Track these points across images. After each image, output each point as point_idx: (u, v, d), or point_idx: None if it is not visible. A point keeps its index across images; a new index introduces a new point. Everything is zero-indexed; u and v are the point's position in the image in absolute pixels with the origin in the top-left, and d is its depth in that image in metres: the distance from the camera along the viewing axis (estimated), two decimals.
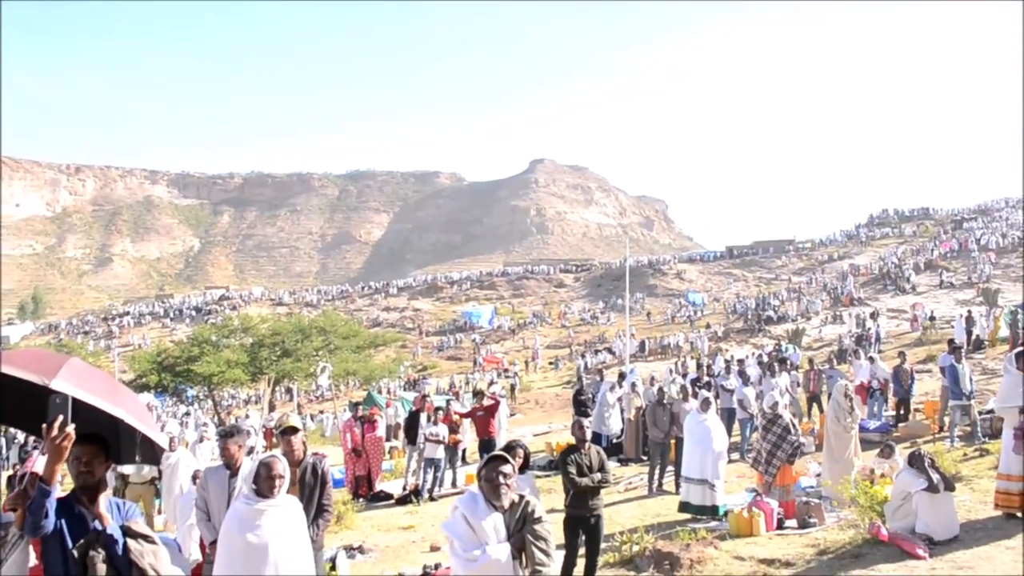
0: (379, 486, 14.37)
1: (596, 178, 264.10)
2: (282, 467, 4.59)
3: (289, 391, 43.86)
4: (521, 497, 4.34)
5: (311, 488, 5.78)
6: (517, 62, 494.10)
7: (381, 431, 15.17)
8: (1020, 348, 8.84)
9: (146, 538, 3.69)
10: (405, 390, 39.68)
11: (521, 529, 4.21)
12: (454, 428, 14.06)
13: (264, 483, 4.50)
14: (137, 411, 4.25)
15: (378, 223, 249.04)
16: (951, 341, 17.77)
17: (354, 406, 15.46)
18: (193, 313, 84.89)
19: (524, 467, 6.99)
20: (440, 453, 13.41)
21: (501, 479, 4.25)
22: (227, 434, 6.23)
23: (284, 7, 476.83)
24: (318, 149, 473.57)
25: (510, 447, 6.90)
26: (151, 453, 4.49)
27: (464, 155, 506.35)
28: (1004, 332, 25.10)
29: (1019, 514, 7.88)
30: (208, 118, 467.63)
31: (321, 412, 36.23)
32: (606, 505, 11.33)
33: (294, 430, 5.90)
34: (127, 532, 3.63)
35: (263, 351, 40.84)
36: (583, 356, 46.05)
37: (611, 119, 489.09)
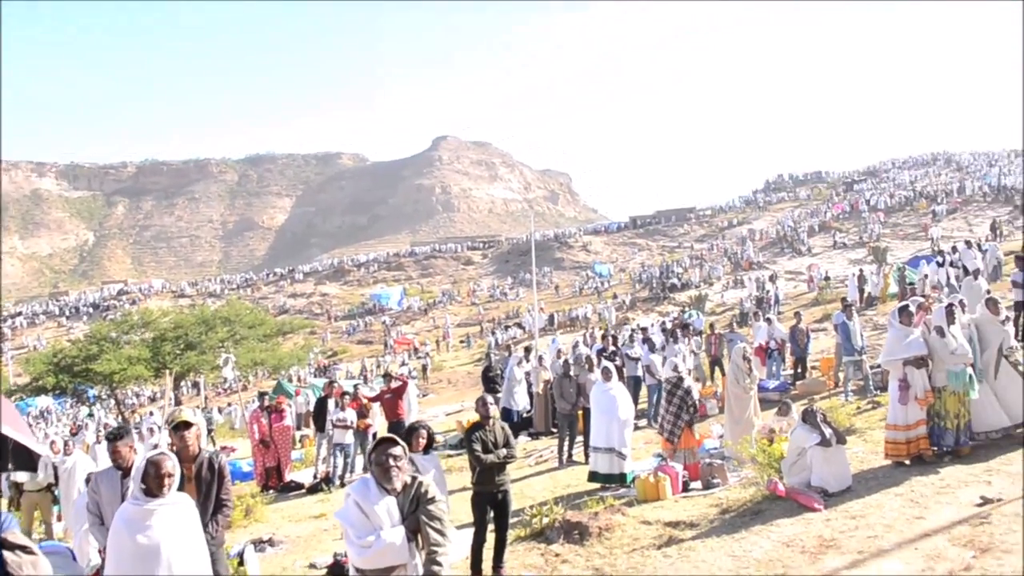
0: (289, 476, 14.09)
1: (500, 154, 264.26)
2: (171, 464, 4.46)
3: (196, 385, 42.70)
4: (414, 478, 4.30)
5: (208, 484, 5.60)
6: (415, 39, 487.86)
7: (289, 420, 14.86)
8: (903, 303, 9.24)
9: (24, 549, 3.53)
10: (316, 377, 39.18)
11: (415, 511, 4.18)
12: (363, 412, 13.87)
13: (153, 482, 4.38)
14: (9, 418, 4.03)
15: (281, 208, 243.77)
16: (844, 299, 18.49)
17: (261, 396, 15.10)
18: (90, 310, 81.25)
19: (428, 447, 6.95)
20: (349, 438, 13.25)
21: (391, 461, 4.20)
22: (114, 436, 5.99)
23: None
24: (215, 134, 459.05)
25: (412, 428, 6.89)
26: (26, 460, 4.27)
27: (366, 135, 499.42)
28: (894, 288, 26.29)
29: (907, 461, 8.28)
30: (98, 105, 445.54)
31: (229, 405, 35.43)
32: (517, 480, 11.49)
33: (187, 425, 5.70)
34: (3, 544, 3.47)
35: (166, 345, 39.62)
36: (493, 333, 46.24)
37: (513, 94, 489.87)
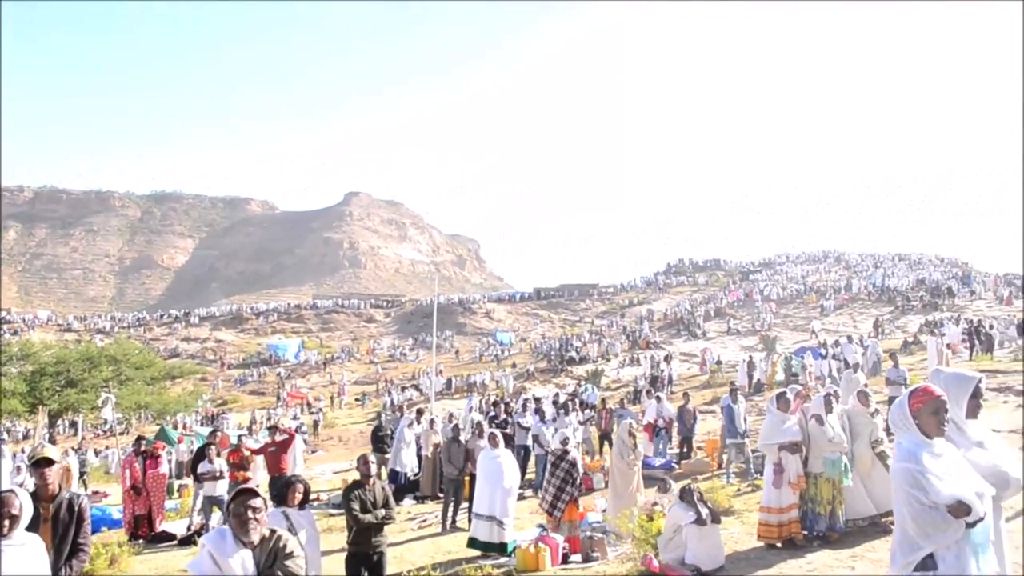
0: (162, 526, 13.44)
1: (411, 214, 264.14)
2: (19, 504, 4.22)
3: (74, 424, 40.47)
4: (273, 531, 4.16)
5: (65, 525, 5.27)
6: (333, 93, 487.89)
7: (164, 468, 14.17)
8: (781, 390, 9.54)
9: None
10: (202, 425, 37.65)
11: (272, 565, 4.01)
12: (245, 464, 13.34)
13: None
14: None
15: (182, 248, 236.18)
16: (732, 383, 18.97)
17: (138, 440, 14.37)
18: None
19: (304, 502, 6.70)
20: (221, 490, 12.64)
21: (249, 513, 4.05)
22: None
23: (89, 9, 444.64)
24: (120, 166, 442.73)
25: (288, 481, 6.68)
26: None
27: (277, 183, 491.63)
28: (780, 376, 27.14)
29: (779, 544, 8.45)
30: None
31: (107, 448, 33.64)
32: (398, 543, 11.21)
33: (48, 462, 5.37)
34: None
35: (45, 380, 37.58)
36: (389, 393, 45.55)
37: (427, 157, 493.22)
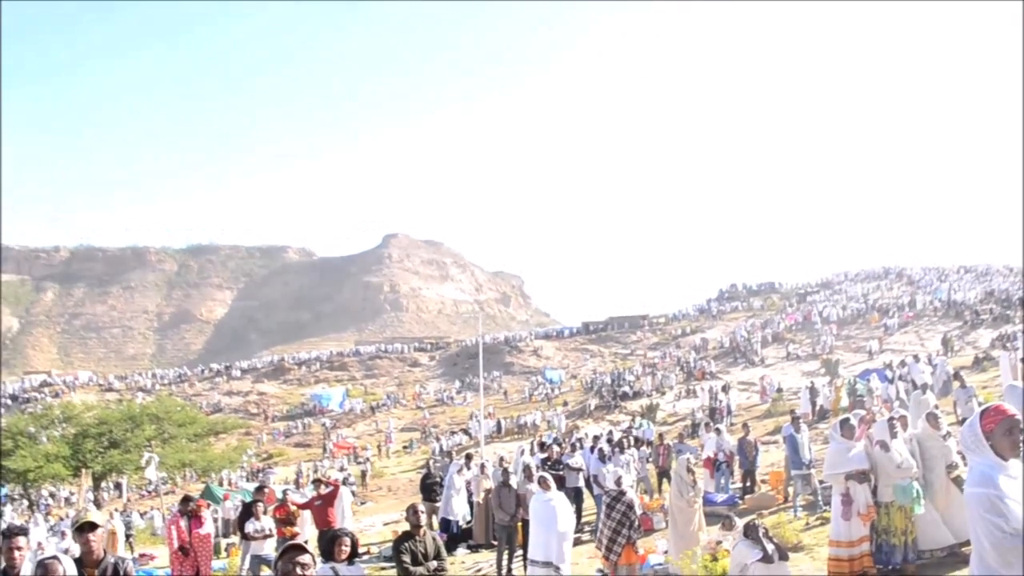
0: None
1: (452, 253, 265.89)
2: (63, 570, 4.21)
3: (118, 486, 40.85)
4: None
5: None
6: (367, 134, 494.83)
7: (208, 527, 14.08)
8: (844, 416, 9.21)
9: None
10: (247, 481, 37.79)
11: None
12: (292, 520, 13.23)
13: None
14: None
15: (221, 300, 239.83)
16: (792, 412, 18.50)
17: (185, 500, 14.35)
18: (8, 402, 77.68)
19: (353, 556, 6.54)
20: (268, 548, 12.50)
21: (298, 570, 3.92)
22: (5, 534, 5.56)
23: (113, 55, 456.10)
24: (155, 221, 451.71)
25: (335, 536, 6.51)
26: None
27: (314, 229, 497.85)
28: (845, 401, 26.50)
29: None
30: (28, 183, 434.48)
31: (152, 508, 33.87)
32: None
33: (92, 526, 5.35)
34: None
35: (88, 442, 37.99)
36: (438, 439, 45.42)
37: (466, 193, 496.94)
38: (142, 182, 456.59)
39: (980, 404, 13.38)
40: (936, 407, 12.08)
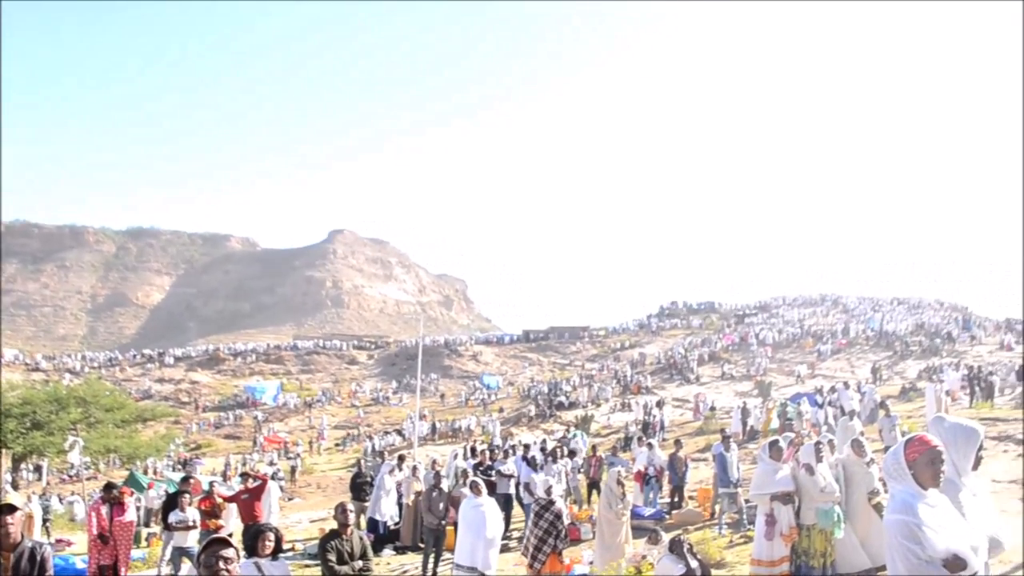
0: None
1: (397, 253, 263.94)
2: None
3: (39, 469, 39.56)
4: None
5: None
6: (317, 128, 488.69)
7: (131, 515, 13.72)
8: (773, 438, 9.37)
9: None
10: (174, 470, 36.98)
11: None
12: (217, 512, 12.96)
13: None
14: None
15: (158, 286, 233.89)
16: (723, 431, 18.77)
17: (108, 487, 13.95)
18: None
19: (277, 552, 6.44)
20: (191, 541, 12.23)
21: (221, 564, 3.84)
22: None
23: (62, 36, 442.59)
24: (95, 201, 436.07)
25: (259, 530, 6.41)
26: None
27: (259, 220, 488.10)
28: (775, 423, 27.03)
29: None
30: None
31: (73, 493, 32.90)
32: None
33: (10, 508, 5.20)
34: None
35: (9, 422, 36.65)
36: (371, 438, 45.04)
37: (414, 194, 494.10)
38: (84, 161, 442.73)
39: (904, 433, 13.75)
40: (862, 434, 12.38)
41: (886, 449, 13.70)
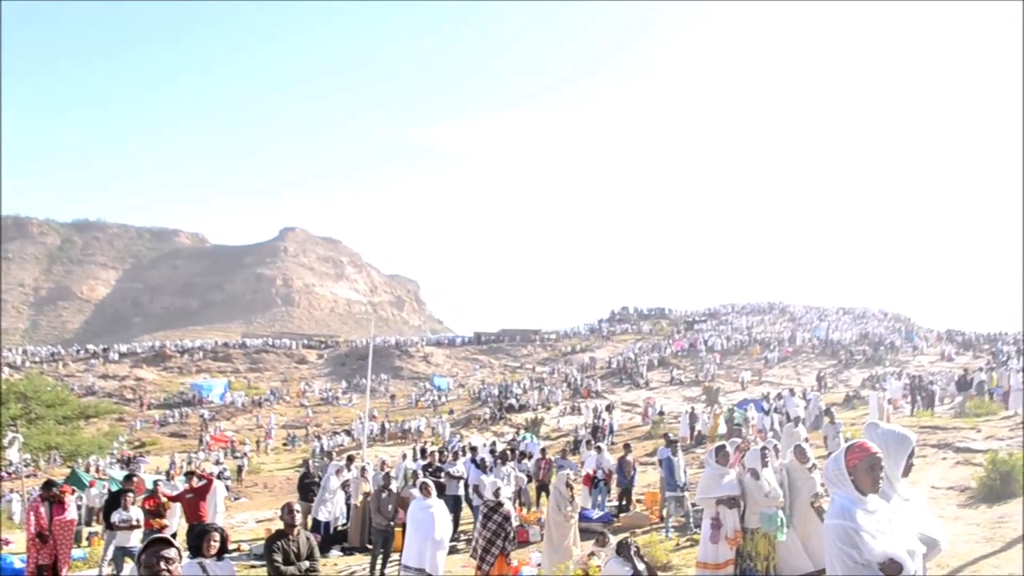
0: None
1: (349, 252, 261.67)
2: None
3: None
4: None
5: None
6: (269, 124, 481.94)
7: (72, 513, 13.43)
8: (720, 443, 9.53)
9: None
10: (118, 468, 36.25)
11: None
12: (161, 512, 12.74)
13: None
14: None
15: (104, 280, 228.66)
16: (666, 435, 18.98)
17: (48, 485, 13.62)
18: None
19: (222, 552, 6.36)
20: (135, 540, 12.01)
21: (162, 564, 3.80)
22: None
23: (7, 28, 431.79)
24: (40, 191, 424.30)
25: (204, 530, 6.32)
26: None
27: (209, 216, 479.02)
28: (723, 429, 27.37)
29: None
30: None
31: (11, 491, 31.98)
32: None
33: None
34: None
35: None
36: (319, 438, 44.64)
37: (366, 194, 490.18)
38: (29, 150, 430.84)
39: (847, 440, 14.07)
40: (806, 440, 12.65)
41: (831, 455, 13.98)
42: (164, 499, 12.86)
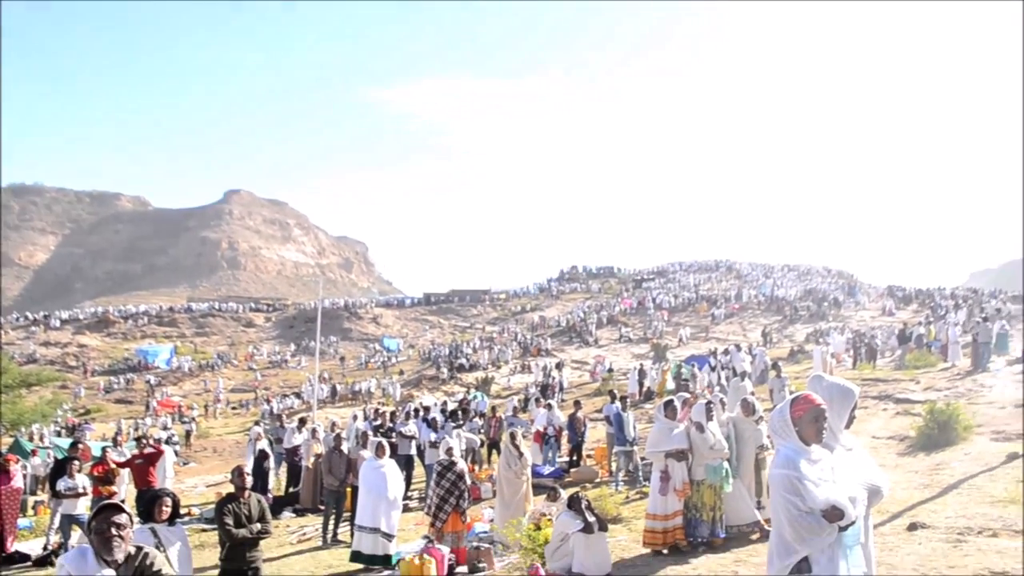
0: (14, 547, 12.48)
1: (296, 214, 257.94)
2: None
3: None
4: (139, 548, 3.89)
5: None
6: (212, 85, 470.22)
7: (17, 482, 13.19)
8: (668, 398, 9.70)
9: None
10: (61, 437, 35.55)
11: None
12: (110, 478, 12.58)
13: None
14: None
15: (43, 245, 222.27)
16: (611, 392, 19.23)
17: None
18: None
19: (174, 517, 6.31)
20: (82, 508, 11.85)
21: (113, 530, 3.78)
22: None
23: None
24: None
25: (155, 495, 6.27)
26: None
27: (151, 178, 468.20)
28: (671, 385, 27.82)
29: (664, 551, 8.54)
30: None
31: None
32: (275, 558, 10.81)
33: None
34: None
35: None
36: (269, 401, 44.30)
37: (313, 155, 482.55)
38: None
39: (792, 393, 14.43)
40: (752, 394, 12.93)
41: (776, 407, 14.32)
42: (113, 465, 12.71)
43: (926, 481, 10.65)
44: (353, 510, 11.09)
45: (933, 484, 10.36)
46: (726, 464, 8.81)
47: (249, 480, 7.06)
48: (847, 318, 50.54)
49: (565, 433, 17.41)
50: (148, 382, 56.30)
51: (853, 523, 3.66)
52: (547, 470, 15.65)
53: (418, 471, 16.70)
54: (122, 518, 3.84)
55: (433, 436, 15.71)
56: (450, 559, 9.23)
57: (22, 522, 14.06)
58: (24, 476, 18.52)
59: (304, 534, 12.70)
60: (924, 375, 22.38)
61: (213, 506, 15.06)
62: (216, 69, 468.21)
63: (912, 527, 8.13)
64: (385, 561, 9.68)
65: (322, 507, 13.41)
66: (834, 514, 3.59)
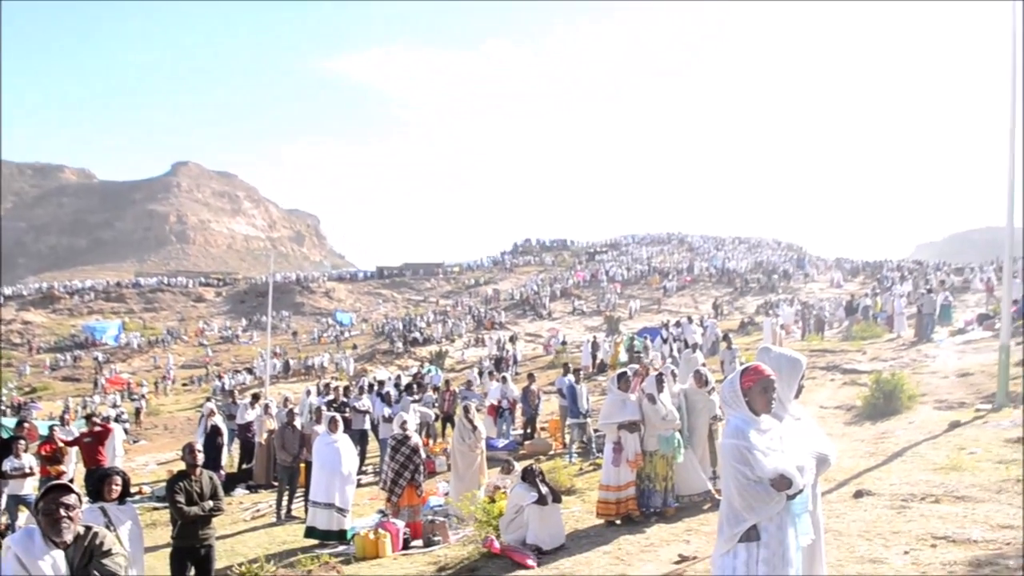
0: None
1: (245, 187, 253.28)
2: None
3: None
4: (88, 528, 3.83)
5: None
6: (158, 54, 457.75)
7: None
8: (621, 371, 9.79)
9: None
10: (7, 415, 34.79)
11: (88, 565, 3.71)
12: (58, 457, 12.33)
13: None
14: None
15: None
16: (565, 365, 19.33)
17: None
18: None
19: (124, 496, 6.21)
20: (29, 488, 11.60)
21: (62, 511, 3.72)
22: None
23: None
24: None
25: (105, 474, 6.16)
26: None
27: (95, 150, 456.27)
28: (624, 357, 28.10)
29: (617, 521, 8.67)
30: None
31: None
32: (230, 535, 10.77)
33: None
34: None
35: None
36: (220, 377, 43.80)
37: (262, 127, 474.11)
38: None
39: (742, 364, 14.67)
40: (704, 365, 13.09)
41: (727, 378, 14.56)
42: (61, 444, 12.46)
43: (872, 449, 10.92)
44: (307, 486, 11.07)
45: (878, 452, 10.63)
46: (678, 435, 8.95)
47: (200, 457, 6.98)
48: (796, 290, 51.39)
49: (519, 406, 17.49)
50: (96, 359, 55.24)
51: (801, 491, 3.71)
52: (501, 443, 15.72)
53: (372, 446, 16.68)
54: (71, 498, 3.78)
55: (387, 411, 15.66)
56: (405, 533, 9.28)
57: None
58: None
59: (258, 511, 12.64)
60: (870, 346, 22.91)
61: (164, 484, 14.91)
62: (162, 39, 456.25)
63: (858, 494, 8.34)
64: (340, 536, 9.71)
65: (276, 483, 13.35)
66: (782, 483, 3.64)
